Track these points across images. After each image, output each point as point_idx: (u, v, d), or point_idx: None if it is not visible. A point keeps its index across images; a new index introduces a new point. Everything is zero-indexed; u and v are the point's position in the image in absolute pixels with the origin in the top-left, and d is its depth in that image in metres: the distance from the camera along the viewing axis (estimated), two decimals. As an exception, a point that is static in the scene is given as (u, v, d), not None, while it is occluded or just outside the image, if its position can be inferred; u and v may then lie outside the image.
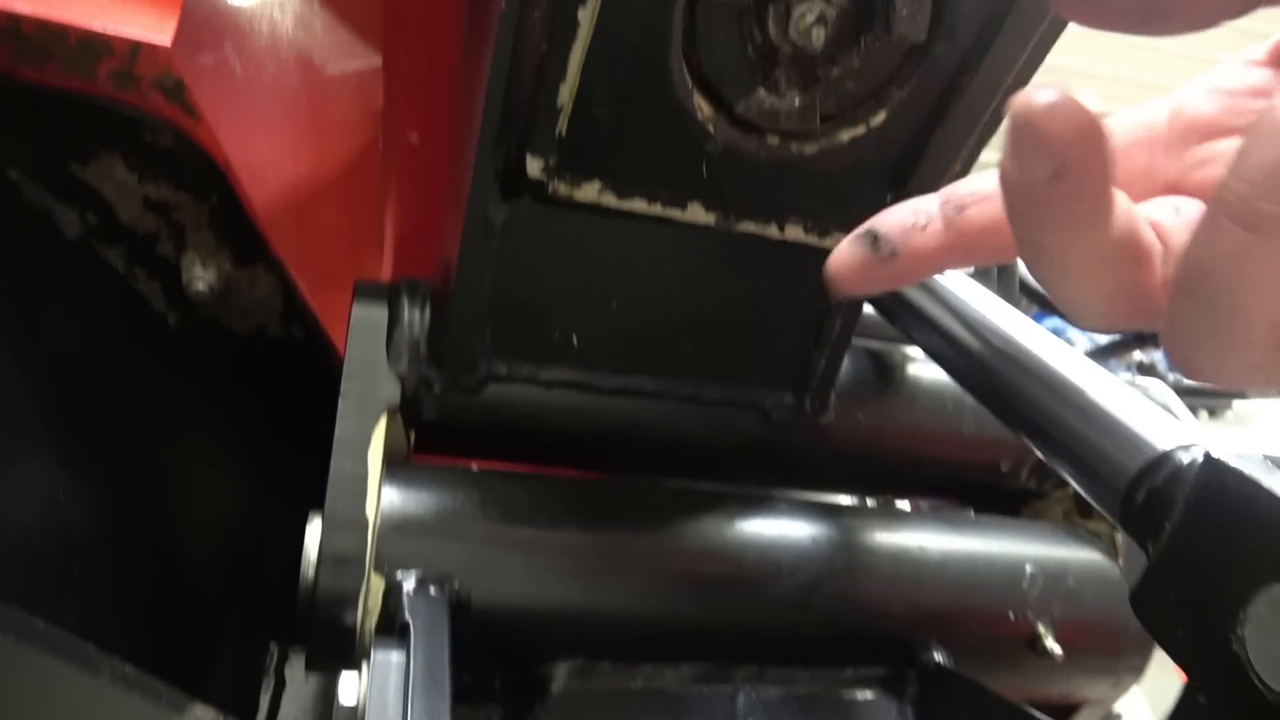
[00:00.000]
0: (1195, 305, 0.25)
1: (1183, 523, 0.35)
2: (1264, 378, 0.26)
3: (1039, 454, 0.55)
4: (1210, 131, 0.34)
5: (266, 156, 0.84)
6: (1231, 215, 0.23)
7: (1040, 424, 0.53)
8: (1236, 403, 3.55)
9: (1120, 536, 0.73)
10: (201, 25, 0.79)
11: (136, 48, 0.51)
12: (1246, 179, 0.23)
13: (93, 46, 0.50)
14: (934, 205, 0.37)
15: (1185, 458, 0.41)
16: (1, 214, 0.56)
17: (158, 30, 0.52)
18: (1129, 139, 0.34)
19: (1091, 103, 0.25)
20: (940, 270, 0.38)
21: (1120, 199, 0.28)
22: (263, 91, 0.83)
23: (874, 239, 0.38)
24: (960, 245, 0.36)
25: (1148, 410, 0.48)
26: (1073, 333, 1.85)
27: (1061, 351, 0.56)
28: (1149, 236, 0.30)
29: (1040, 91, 0.26)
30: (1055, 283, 0.30)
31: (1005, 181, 0.28)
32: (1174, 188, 0.34)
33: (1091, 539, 0.69)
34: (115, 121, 0.53)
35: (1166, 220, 0.31)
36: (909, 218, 0.37)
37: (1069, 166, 0.26)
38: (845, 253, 0.40)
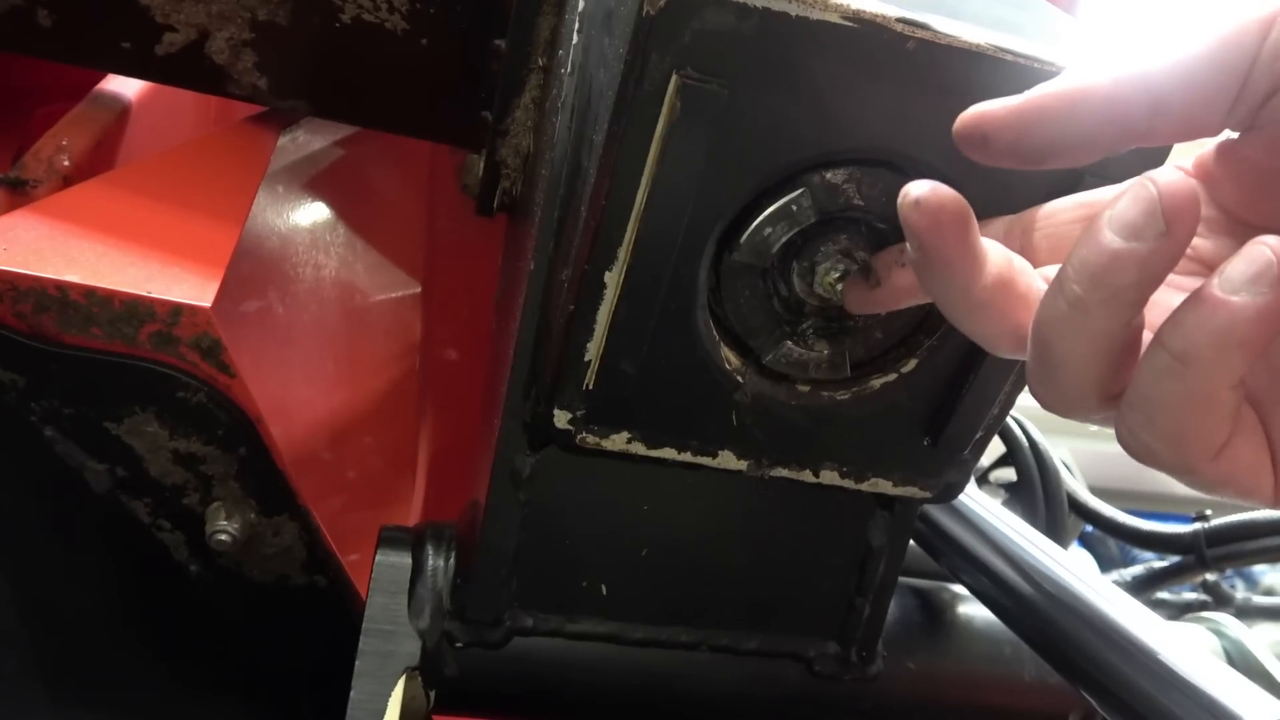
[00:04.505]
0: (1034, 351, 0.33)
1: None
2: (1085, 416, 0.33)
3: (1104, 716, 0.50)
4: None
5: (303, 397, 0.86)
6: (1058, 291, 0.31)
7: (1106, 684, 0.49)
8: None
9: None
10: (246, 277, 0.83)
11: (178, 310, 0.52)
12: (1071, 266, 0.30)
13: (137, 310, 0.52)
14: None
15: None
16: (33, 471, 0.56)
17: (201, 291, 0.54)
18: (1069, 216, 0.39)
19: (952, 193, 0.33)
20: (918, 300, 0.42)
21: (997, 258, 0.35)
22: (304, 333, 0.86)
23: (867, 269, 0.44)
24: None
25: (1228, 678, 0.44)
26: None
27: (1122, 601, 0.53)
28: (1025, 286, 0.35)
29: (912, 186, 0.33)
30: (953, 320, 0.36)
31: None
32: None
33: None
34: (150, 379, 0.54)
35: None
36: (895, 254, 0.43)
37: (925, 245, 0.34)
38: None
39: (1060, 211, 0.38)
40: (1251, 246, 0.28)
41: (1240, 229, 0.34)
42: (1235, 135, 0.33)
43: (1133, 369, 0.31)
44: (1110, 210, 0.29)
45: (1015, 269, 0.35)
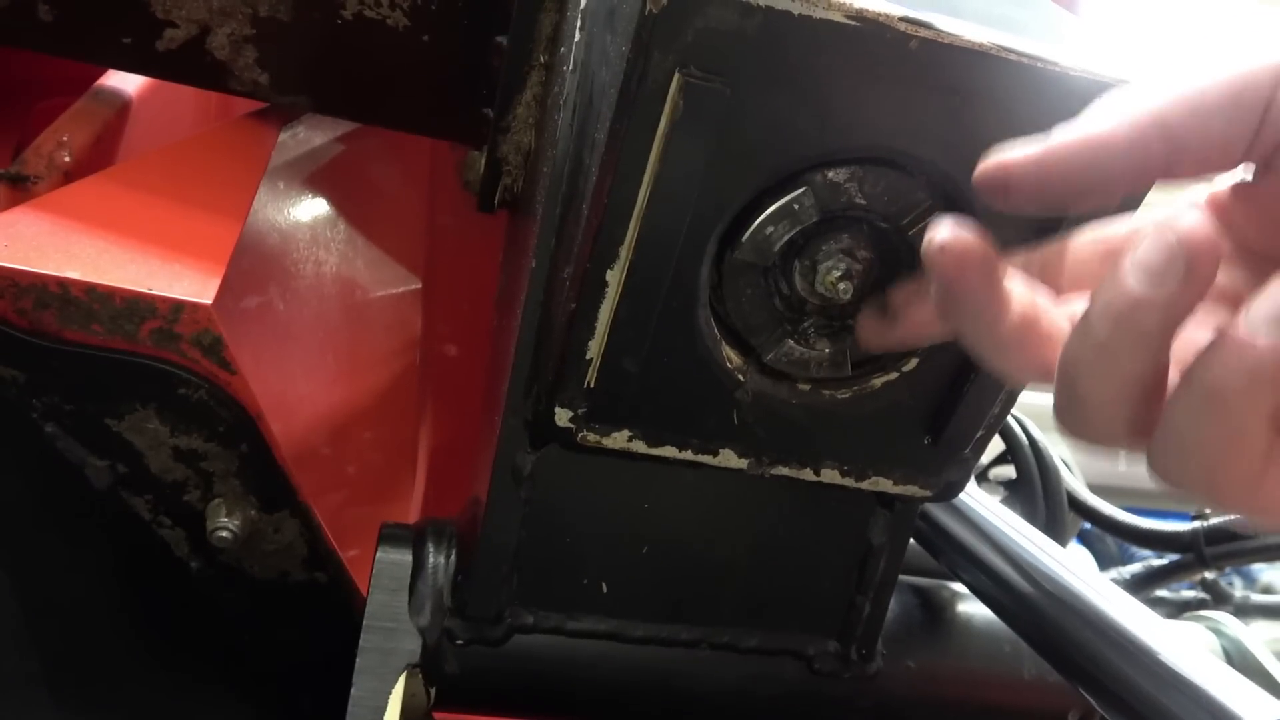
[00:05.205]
0: (1060, 389, 0.33)
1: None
2: (1113, 450, 0.34)
3: (1103, 715, 0.50)
4: None
5: (303, 393, 0.86)
6: (1083, 333, 0.32)
7: (1105, 682, 0.49)
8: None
9: None
10: (247, 273, 0.83)
11: (179, 307, 0.52)
12: (1094, 309, 0.31)
13: (138, 307, 0.52)
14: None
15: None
16: (34, 467, 0.57)
17: (202, 288, 0.54)
18: (1087, 253, 0.40)
19: (975, 236, 0.34)
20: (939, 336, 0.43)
21: (1022, 297, 0.36)
22: (304, 330, 0.86)
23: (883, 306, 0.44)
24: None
25: (1227, 676, 0.44)
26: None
27: (1120, 600, 0.53)
28: (1049, 324, 0.36)
29: (936, 231, 0.34)
30: (978, 357, 0.37)
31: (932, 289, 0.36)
32: None
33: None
34: (151, 376, 0.54)
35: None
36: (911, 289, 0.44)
37: (951, 288, 0.35)
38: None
39: (1079, 247, 0.39)
40: (1274, 285, 0.28)
41: (1257, 261, 0.35)
42: (1250, 175, 0.34)
43: (1160, 403, 0.31)
44: (1132, 255, 0.30)
45: (1039, 308, 0.36)
